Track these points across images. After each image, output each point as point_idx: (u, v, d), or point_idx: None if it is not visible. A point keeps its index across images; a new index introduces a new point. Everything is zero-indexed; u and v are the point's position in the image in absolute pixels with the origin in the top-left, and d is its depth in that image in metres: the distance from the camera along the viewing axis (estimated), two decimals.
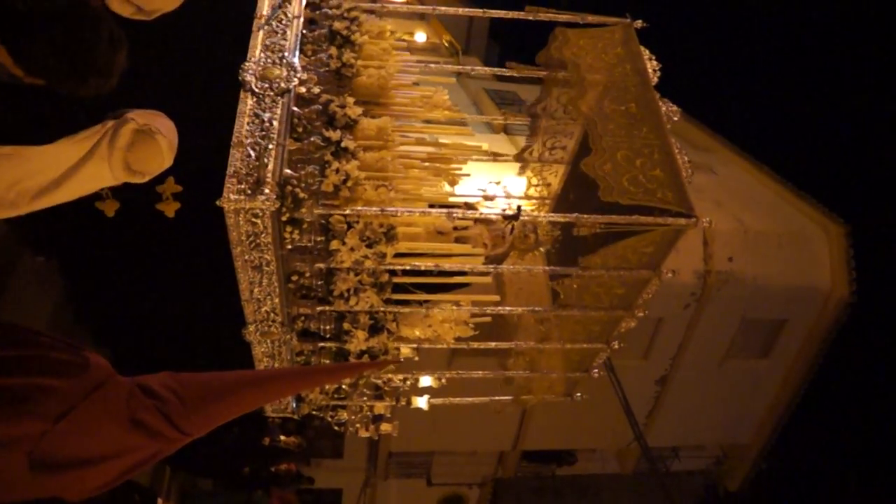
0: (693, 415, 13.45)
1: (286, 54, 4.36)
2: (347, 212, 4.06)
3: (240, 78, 4.19)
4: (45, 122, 2.39)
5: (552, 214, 4.65)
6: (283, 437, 10.35)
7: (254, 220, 3.85)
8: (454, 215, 4.25)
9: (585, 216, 4.12)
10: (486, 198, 5.57)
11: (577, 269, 4.40)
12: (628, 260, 4.27)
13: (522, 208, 4.62)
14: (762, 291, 11.57)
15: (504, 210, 5.52)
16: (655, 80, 4.61)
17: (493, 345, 5.00)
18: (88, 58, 2.14)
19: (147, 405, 2.30)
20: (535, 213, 4.99)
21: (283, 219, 3.91)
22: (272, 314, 4.32)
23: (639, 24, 4.87)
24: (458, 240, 4.74)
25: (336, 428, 4.99)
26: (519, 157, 5.92)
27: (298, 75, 4.31)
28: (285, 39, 4.45)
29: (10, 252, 4.30)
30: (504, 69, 5.35)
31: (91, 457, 2.18)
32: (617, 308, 4.64)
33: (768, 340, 12.81)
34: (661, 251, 4.23)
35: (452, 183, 4.84)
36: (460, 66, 6.41)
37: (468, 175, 4.93)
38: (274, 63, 4.30)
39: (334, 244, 4.12)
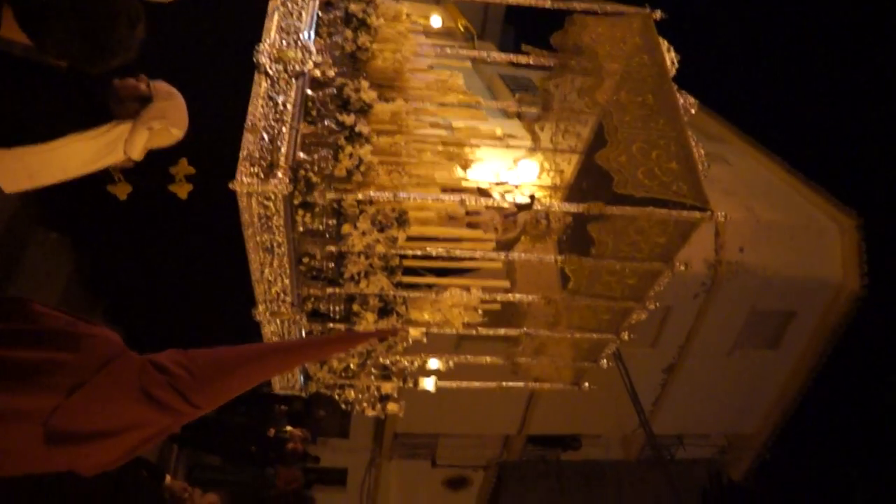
0: (699, 404, 13.45)
1: (301, 36, 4.34)
2: (360, 196, 4.05)
3: (254, 60, 4.18)
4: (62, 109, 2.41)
5: (565, 203, 4.63)
6: (289, 428, 10.39)
7: (266, 203, 3.86)
8: (466, 202, 4.24)
9: (598, 206, 4.10)
10: (499, 184, 5.56)
11: (587, 258, 4.38)
12: (640, 249, 4.25)
13: (535, 196, 4.60)
14: (772, 283, 11.52)
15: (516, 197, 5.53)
16: (673, 71, 4.57)
17: (502, 331, 5.00)
18: (108, 39, 2.16)
19: (158, 380, 2.33)
20: (548, 202, 4.97)
21: (296, 202, 3.91)
22: (282, 295, 4.33)
23: (658, 14, 4.81)
24: (469, 225, 4.74)
25: (343, 406, 5.02)
26: (530, 130, 5.82)
27: (313, 58, 4.28)
28: (300, 21, 4.42)
29: (24, 228, 4.33)
30: (520, 53, 5.29)
31: (103, 430, 2.21)
32: (628, 298, 4.63)
33: (777, 332, 12.77)
34: (675, 243, 4.21)
35: (465, 167, 4.83)
36: (476, 52, 6.34)
37: (481, 159, 4.91)
38: (289, 45, 4.28)
39: (346, 228, 4.13)
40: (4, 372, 2.10)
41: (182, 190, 4.09)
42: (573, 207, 4.36)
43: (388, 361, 4.94)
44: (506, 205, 4.73)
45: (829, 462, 18.83)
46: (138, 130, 3.16)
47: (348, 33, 4.59)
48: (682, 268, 4.35)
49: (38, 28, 2.13)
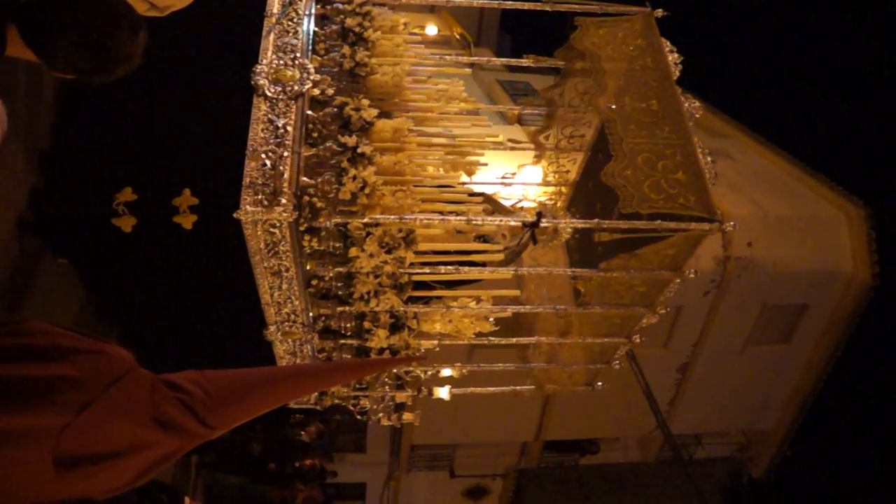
0: (715, 402, 13.39)
1: (298, 55, 4.34)
2: (366, 220, 4.03)
3: (252, 82, 4.17)
4: None
5: (573, 221, 4.62)
6: (302, 433, 10.41)
7: (272, 230, 3.85)
8: (473, 222, 4.21)
9: (606, 222, 4.09)
10: (504, 184, 5.54)
11: (597, 272, 4.37)
12: (650, 261, 4.24)
13: (541, 202, 4.60)
14: (782, 277, 11.48)
15: (521, 200, 5.52)
16: (677, 73, 4.53)
17: (513, 340, 4.99)
18: (112, 48, 2.19)
19: (170, 397, 2.29)
20: (556, 220, 4.95)
21: (301, 229, 3.90)
22: (293, 315, 4.33)
23: (659, 13, 4.78)
24: (477, 235, 4.73)
25: (359, 417, 5.00)
26: (535, 141, 5.82)
27: (311, 77, 4.28)
28: (297, 39, 4.42)
29: (33, 255, 4.34)
30: (518, 61, 5.28)
31: (114, 450, 2.16)
32: (638, 305, 4.62)
33: (790, 326, 12.71)
34: (683, 253, 4.20)
35: (470, 173, 4.81)
36: (475, 58, 6.34)
37: (486, 164, 4.89)
38: (286, 65, 4.28)
39: (353, 251, 4.11)
40: (10, 390, 2.06)
41: (187, 221, 4.07)
42: (581, 224, 4.33)
43: (401, 371, 4.92)
44: (513, 223, 4.69)
45: (850, 455, 18.68)
46: None
47: (346, 49, 4.58)
48: (692, 275, 4.34)
49: (44, 43, 2.16)
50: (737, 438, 15.52)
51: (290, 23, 4.48)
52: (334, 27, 4.72)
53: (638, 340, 4.92)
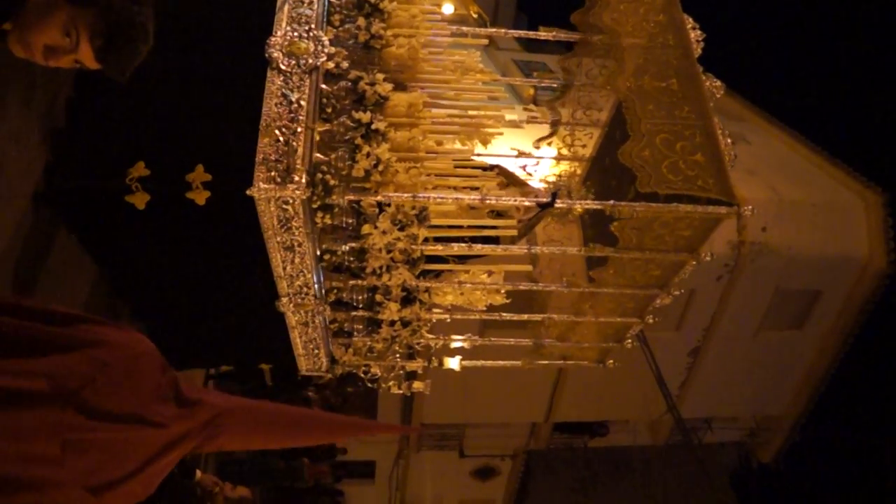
0: (726, 386, 13.37)
1: (313, 26, 4.29)
2: (379, 198, 4.01)
3: (266, 55, 4.13)
4: None
5: (587, 203, 4.58)
6: (310, 393, 10.40)
7: (284, 206, 3.83)
8: (488, 200, 4.18)
9: (623, 204, 4.04)
10: (521, 154, 5.49)
11: (611, 251, 4.32)
12: (665, 242, 4.18)
13: (557, 175, 4.54)
14: (796, 262, 11.41)
15: (527, 165, 5.47)
16: (699, 51, 4.43)
17: (525, 317, 4.98)
18: (136, 52, 2.18)
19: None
20: (570, 202, 4.90)
21: (314, 206, 3.90)
22: (305, 288, 4.33)
23: None
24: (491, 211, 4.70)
25: (369, 384, 5.01)
26: (551, 108, 5.70)
27: (326, 50, 4.23)
28: (311, 9, 4.36)
29: (46, 231, 4.36)
30: (536, 34, 5.19)
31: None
32: (652, 286, 4.59)
33: (803, 311, 12.66)
34: (700, 235, 4.14)
35: (486, 143, 4.76)
36: (493, 30, 6.26)
37: (501, 133, 4.83)
38: (301, 36, 4.24)
39: (366, 228, 4.09)
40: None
41: (200, 196, 4.06)
42: (596, 204, 4.30)
43: (413, 341, 4.91)
44: (527, 203, 4.65)
45: (860, 442, 18.64)
46: None
47: (361, 21, 4.51)
48: (708, 257, 4.30)
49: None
50: (747, 423, 15.51)
51: None
52: None
53: (651, 321, 4.90)
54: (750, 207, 3.89)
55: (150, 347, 2.36)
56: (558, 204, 4.38)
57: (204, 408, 2.39)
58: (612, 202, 4.09)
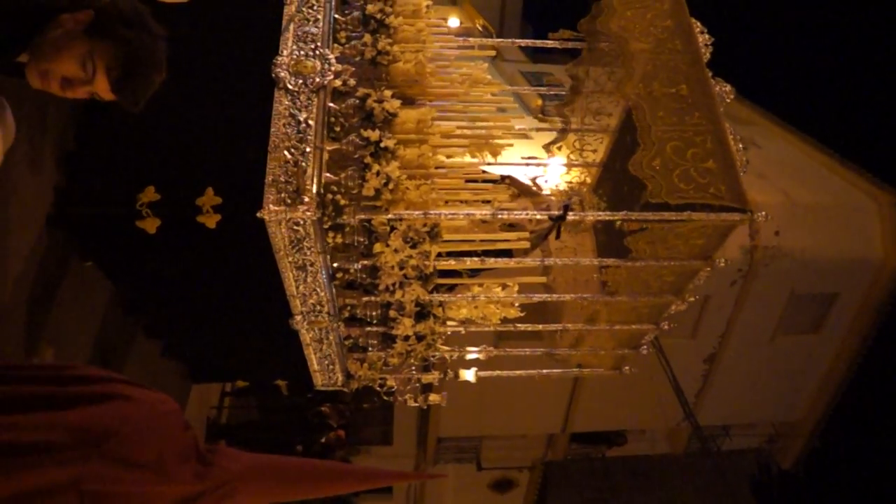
0: (743, 392, 13.26)
1: (318, 44, 4.30)
2: (390, 216, 4.00)
3: (273, 75, 4.15)
4: None
5: (599, 214, 4.57)
6: (323, 409, 10.47)
7: (295, 227, 3.84)
8: (499, 215, 4.17)
9: (634, 214, 4.03)
10: (528, 163, 5.49)
11: (625, 262, 4.31)
12: (679, 250, 4.17)
13: (569, 183, 4.53)
14: (811, 265, 11.33)
15: (539, 177, 5.47)
16: (707, 56, 4.41)
17: (540, 327, 4.96)
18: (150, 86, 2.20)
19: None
20: (582, 213, 4.88)
21: (325, 226, 3.90)
22: (318, 306, 4.34)
23: None
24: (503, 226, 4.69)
25: (385, 398, 5.00)
26: (560, 114, 5.67)
27: (332, 68, 4.23)
28: (317, 27, 4.37)
29: (60, 254, 4.38)
30: (544, 41, 5.18)
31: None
32: (666, 293, 4.57)
33: (819, 315, 12.55)
34: (713, 243, 4.13)
35: (495, 154, 4.75)
36: (500, 40, 6.27)
37: (511, 145, 4.82)
38: (307, 55, 4.24)
39: (378, 247, 4.09)
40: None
41: (210, 220, 4.06)
42: (608, 216, 4.28)
43: (428, 354, 4.90)
44: (538, 217, 4.64)
45: (881, 446, 18.43)
46: None
47: (367, 37, 4.51)
48: (722, 263, 4.28)
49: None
50: (765, 430, 15.38)
51: (309, 11, 4.43)
52: (355, 13, 4.66)
53: (666, 327, 4.88)
54: (763, 213, 3.87)
55: (174, 407, 2.35)
56: (570, 217, 4.38)
57: (220, 470, 2.39)
58: (623, 213, 4.07)
